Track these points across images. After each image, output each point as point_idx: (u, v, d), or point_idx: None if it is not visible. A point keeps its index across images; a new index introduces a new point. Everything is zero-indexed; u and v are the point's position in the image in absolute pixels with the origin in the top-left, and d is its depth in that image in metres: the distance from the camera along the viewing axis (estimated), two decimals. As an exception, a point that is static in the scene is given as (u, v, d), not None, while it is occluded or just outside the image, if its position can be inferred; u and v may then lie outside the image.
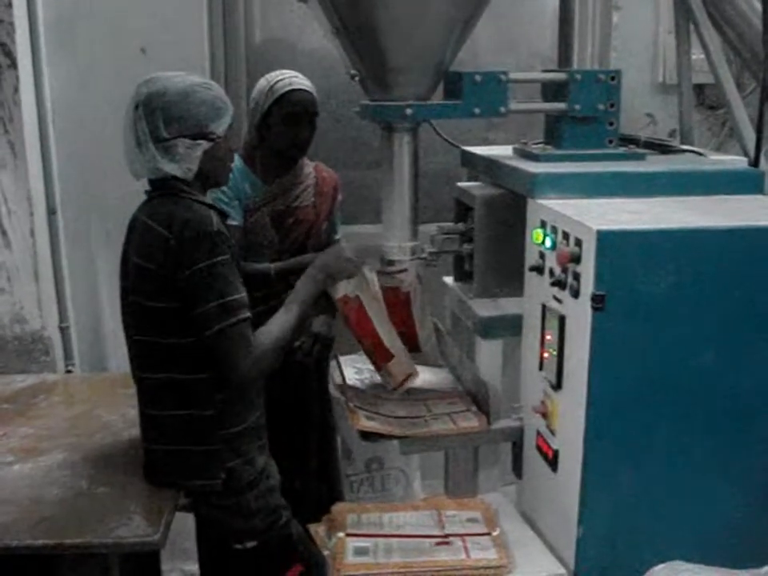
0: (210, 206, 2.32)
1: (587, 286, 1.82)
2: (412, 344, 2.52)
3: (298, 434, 3.23)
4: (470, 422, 2.32)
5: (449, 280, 2.71)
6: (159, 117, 2.26)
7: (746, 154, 2.49)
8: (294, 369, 3.03)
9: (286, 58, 3.86)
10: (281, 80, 3.03)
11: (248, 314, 2.24)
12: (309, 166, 3.24)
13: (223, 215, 2.38)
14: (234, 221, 2.95)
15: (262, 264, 2.99)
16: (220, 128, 2.32)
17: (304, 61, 3.82)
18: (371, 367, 2.54)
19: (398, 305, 2.46)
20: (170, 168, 2.28)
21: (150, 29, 3.57)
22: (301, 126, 3.04)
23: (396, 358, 2.43)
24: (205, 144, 2.30)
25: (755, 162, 2.38)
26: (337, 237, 3.33)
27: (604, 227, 1.79)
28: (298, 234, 3.15)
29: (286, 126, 3.01)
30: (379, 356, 2.44)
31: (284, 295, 2.68)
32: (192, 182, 2.33)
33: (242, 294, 2.24)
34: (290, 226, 3.14)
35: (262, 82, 3.08)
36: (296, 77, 3.07)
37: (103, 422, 2.85)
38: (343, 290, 2.40)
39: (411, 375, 2.48)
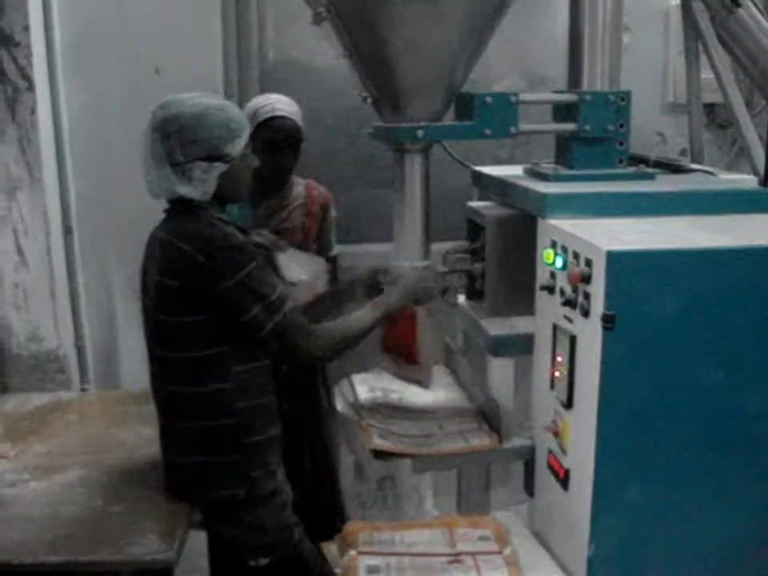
0: (229, 223, 2.35)
1: (597, 306, 1.83)
2: (410, 357, 2.55)
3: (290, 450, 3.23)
4: (482, 439, 2.33)
5: (461, 298, 2.72)
6: (175, 141, 2.28)
7: (755, 173, 2.50)
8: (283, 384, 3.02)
9: (300, 77, 3.89)
10: (264, 106, 3.03)
11: (293, 304, 2.30)
12: (299, 185, 3.22)
13: (244, 231, 2.40)
14: None
15: None
16: (235, 149, 2.34)
17: (317, 80, 3.84)
18: (383, 385, 2.56)
19: (404, 319, 2.49)
20: (187, 190, 2.31)
21: (164, 49, 3.61)
22: (283, 153, 3.03)
23: (420, 365, 2.52)
24: (221, 166, 2.32)
25: (765, 181, 2.39)
26: (333, 253, 3.31)
27: (614, 247, 1.81)
28: None
29: (268, 153, 2.98)
30: (404, 356, 2.53)
31: None
32: (210, 201, 2.36)
33: (281, 289, 2.29)
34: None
35: (248, 106, 3.07)
36: (280, 102, 3.06)
37: (118, 440, 2.87)
38: None
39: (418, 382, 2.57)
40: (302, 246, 3.16)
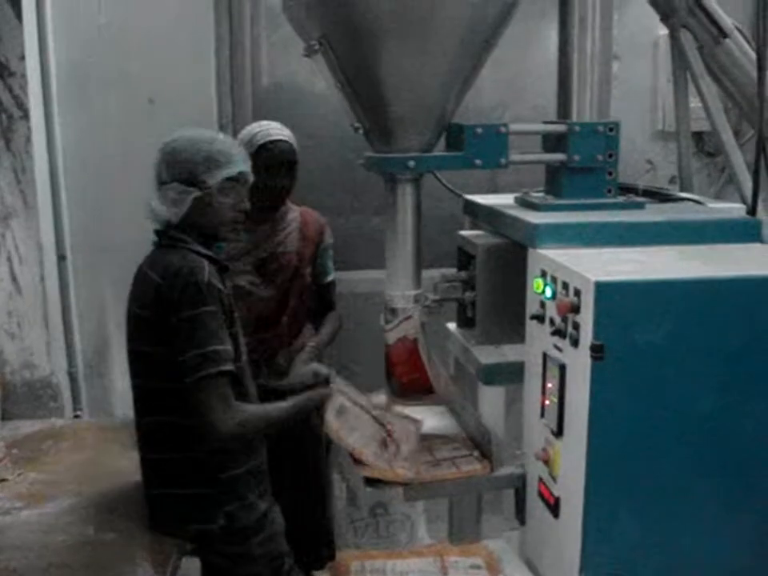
0: (208, 257, 2.37)
1: (586, 336, 1.85)
2: (425, 387, 2.55)
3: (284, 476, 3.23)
4: (474, 466, 2.34)
5: (452, 326, 2.74)
6: (163, 161, 2.39)
7: (744, 202, 2.53)
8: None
9: (293, 104, 3.91)
10: (259, 132, 3.10)
11: (229, 368, 2.26)
12: (294, 211, 3.26)
13: (224, 268, 2.41)
14: None
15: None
16: (212, 179, 2.38)
17: (311, 107, 3.87)
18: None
19: (408, 352, 2.50)
20: (160, 210, 2.37)
21: (157, 79, 3.64)
22: (280, 174, 3.09)
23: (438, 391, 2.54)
24: (195, 192, 2.36)
25: (753, 210, 2.42)
26: (329, 279, 3.34)
27: (602, 278, 1.83)
28: (282, 279, 3.17)
29: (265, 175, 3.02)
30: (420, 389, 2.53)
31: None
32: (191, 232, 2.39)
33: (226, 347, 2.27)
34: (273, 272, 3.16)
35: (243, 134, 3.13)
36: (273, 128, 3.13)
37: (110, 468, 2.87)
38: (404, 332, 2.46)
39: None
40: (298, 270, 3.20)
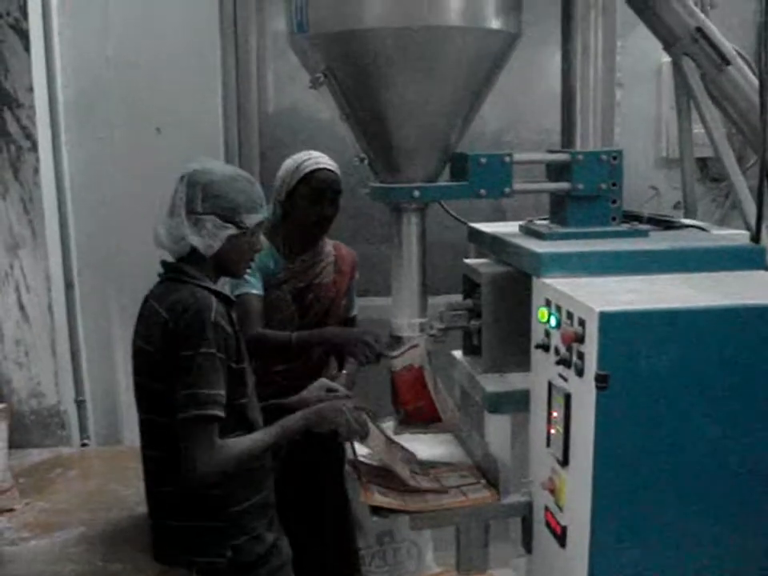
0: (216, 293, 2.36)
1: (591, 366, 1.85)
2: (432, 415, 2.56)
3: (312, 507, 3.23)
4: (481, 494, 2.34)
5: (458, 354, 2.74)
6: (199, 191, 2.34)
7: (748, 229, 2.53)
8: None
9: (299, 133, 3.96)
10: (307, 159, 3.14)
11: (218, 413, 2.22)
12: (329, 245, 3.31)
13: (229, 302, 2.42)
14: (255, 289, 3.03)
15: (283, 333, 3.04)
16: (249, 221, 2.38)
17: (317, 136, 3.90)
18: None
19: (413, 380, 2.51)
20: (194, 240, 2.34)
21: (165, 108, 3.68)
22: (325, 203, 3.13)
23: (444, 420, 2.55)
24: (232, 229, 2.36)
25: (756, 237, 2.42)
26: (353, 313, 3.39)
27: (606, 308, 1.83)
28: (318, 310, 3.21)
29: (310, 203, 3.10)
30: (425, 417, 2.56)
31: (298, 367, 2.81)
32: (205, 265, 2.39)
33: (217, 392, 2.23)
34: (310, 303, 3.20)
35: (289, 162, 3.18)
36: (322, 157, 3.18)
37: (118, 497, 2.88)
38: (410, 360, 2.48)
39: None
40: (333, 302, 3.24)
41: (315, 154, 3.20)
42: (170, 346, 2.25)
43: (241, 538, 2.37)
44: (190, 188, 2.34)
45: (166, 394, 2.26)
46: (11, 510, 2.80)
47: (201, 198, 2.34)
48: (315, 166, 3.13)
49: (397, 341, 2.49)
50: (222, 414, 2.23)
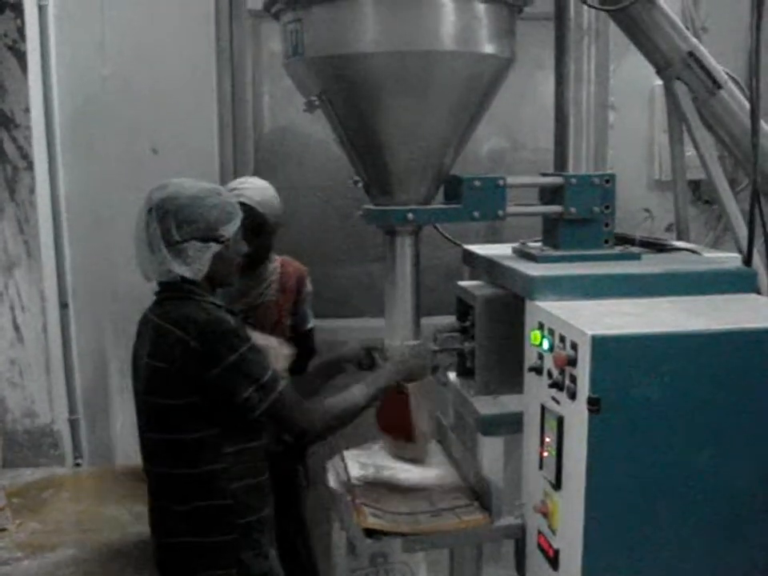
0: (220, 306, 2.38)
1: (583, 389, 1.86)
2: (406, 435, 2.58)
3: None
4: (474, 516, 2.34)
5: (451, 375, 2.75)
6: (171, 220, 2.33)
7: (740, 251, 2.54)
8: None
9: (294, 153, 3.97)
10: (232, 190, 3.00)
11: (285, 383, 2.33)
12: (275, 262, 3.25)
13: (233, 313, 2.43)
14: None
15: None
16: (229, 231, 2.40)
17: (311, 156, 3.92)
18: (375, 462, 2.59)
19: (397, 399, 2.52)
20: (182, 270, 2.35)
21: (160, 129, 3.69)
22: (246, 238, 2.80)
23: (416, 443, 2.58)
24: (215, 246, 2.37)
25: (748, 260, 2.44)
26: (309, 326, 3.33)
27: (598, 332, 1.84)
28: (264, 328, 3.17)
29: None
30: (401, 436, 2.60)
31: None
32: (201, 282, 2.39)
33: (272, 369, 2.33)
34: (256, 322, 3.15)
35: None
36: (248, 189, 3.07)
37: (110, 517, 2.88)
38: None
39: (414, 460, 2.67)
40: (276, 324, 3.20)
41: (246, 182, 3.12)
42: (201, 364, 2.25)
43: (248, 551, 2.38)
44: (161, 220, 2.33)
45: (180, 410, 2.29)
46: (4, 529, 2.79)
47: (175, 226, 2.33)
48: (236, 200, 2.94)
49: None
50: (287, 382, 2.35)
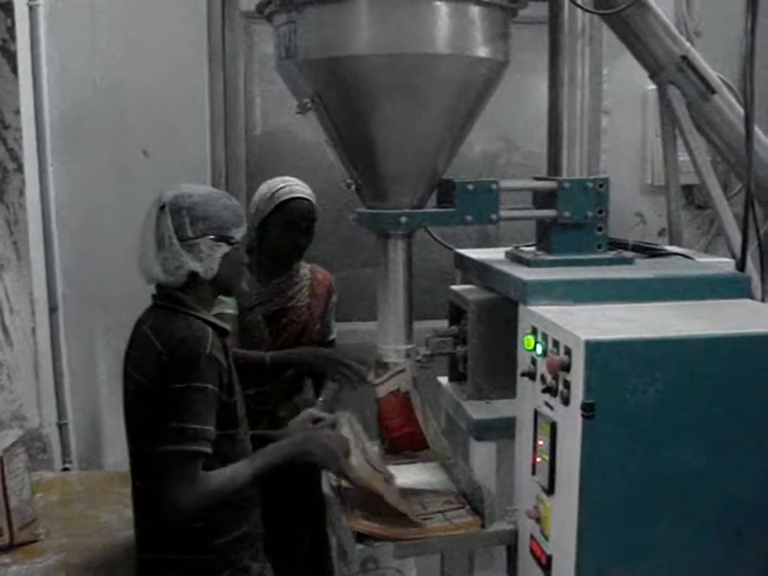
0: (211, 324, 2.34)
1: (577, 394, 1.85)
2: (419, 442, 2.55)
3: (290, 533, 3.21)
4: (465, 519, 2.33)
5: (443, 380, 2.74)
6: (185, 216, 2.30)
7: (733, 256, 2.54)
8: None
9: (286, 156, 3.96)
10: (282, 188, 3.12)
11: (204, 450, 2.18)
12: (305, 268, 3.30)
13: (223, 332, 2.41)
14: (229, 309, 3.00)
15: (258, 352, 3.03)
16: (238, 234, 2.38)
17: (303, 159, 3.90)
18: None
19: (400, 406, 2.50)
20: (194, 266, 2.31)
21: (151, 131, 3.69)
22: (299, 232, 3.13)
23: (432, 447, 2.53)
24: (225, 247, 2.35)
25: (741, 265, 2.43)
26: (332, 337, 3.37)
27: (592, 337, 1.83)
28: (291, 333, 3.19)
29: (284, 232, 3.10)
30: (413, 444, 2.54)
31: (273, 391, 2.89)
32: (202, 289, 2.36)
33: (206, 428, 2.20)
34: (284, 326, 3.18)
35: (263, 188, 3.16)
36: (297, 185, 3.16)
37: (100, 522, 2.85)
38: (396, 385, 2.46)
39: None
40: (307, 326, 3.23)
41: (291, 180, 3.19)
42: (162, 378, 2.21)
43: (226, 570, 2.34)
44: (174, 216, 2.30)
45: (153, 424, 2.22)
46: (35, 541, 2.74)
47: (189, 222, 2.30)
48: (290, 195, 3.11)
49: (383, 367, 2.48)
50: (208, 450, 2.19)
